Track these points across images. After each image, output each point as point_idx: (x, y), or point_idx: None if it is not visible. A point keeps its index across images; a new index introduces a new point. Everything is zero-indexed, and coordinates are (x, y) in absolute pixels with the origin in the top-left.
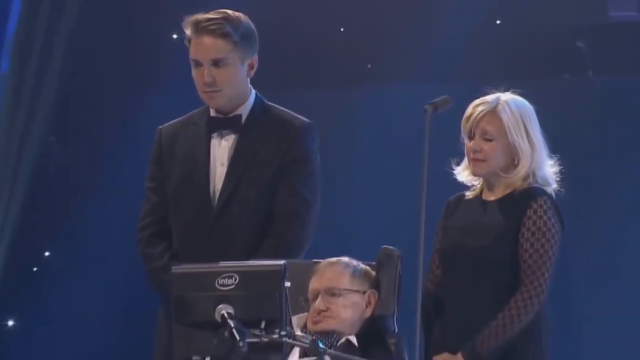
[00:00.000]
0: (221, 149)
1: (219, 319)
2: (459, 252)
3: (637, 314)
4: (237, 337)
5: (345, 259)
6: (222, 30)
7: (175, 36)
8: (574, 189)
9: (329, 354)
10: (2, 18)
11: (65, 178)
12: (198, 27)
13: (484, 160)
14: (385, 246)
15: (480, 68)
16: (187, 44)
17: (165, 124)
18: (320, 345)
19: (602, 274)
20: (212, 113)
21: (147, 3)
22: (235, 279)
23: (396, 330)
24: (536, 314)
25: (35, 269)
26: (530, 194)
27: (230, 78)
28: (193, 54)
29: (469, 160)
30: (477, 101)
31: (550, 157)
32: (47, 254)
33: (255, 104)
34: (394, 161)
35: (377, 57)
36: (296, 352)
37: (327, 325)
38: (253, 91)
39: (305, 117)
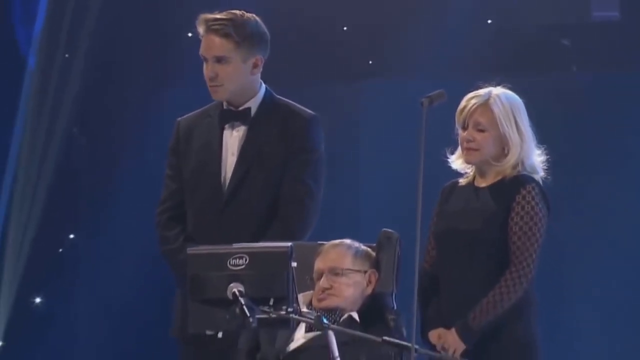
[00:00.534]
0: (232, 139)
1: (230, 296)
2: (453, 235)
3: (617, 290)
4: (247, 314)
5: (348, 241)
6: (225, 30)
7: (190, 34)
8: (560, 176)
9: (333, 329)
10: (30, 17)
11: (87, 167)
12: (205, 26)
13: (476, 150)
14: (385, 229)
15: (473, 64)
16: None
17: (183, 117)
18: (325, 321)
19: (584, 254)
20: (225, 106)
21: (166, 2)
22: (246, 260)
23: (395, 307)
24: (524, 292)
25: (60, 250)
26: (519, 181)
27: (230, 75)
28: (201, 50)
29: (463, 149)
30: (470, 94)
31: (538, 147)
32: (71, 236)
33: (265, 97)
34: (394, 150)
35: (377, 54)
36: (302, 327)
37: (330, 302)
38: (263, 86)
39: (312, 110)
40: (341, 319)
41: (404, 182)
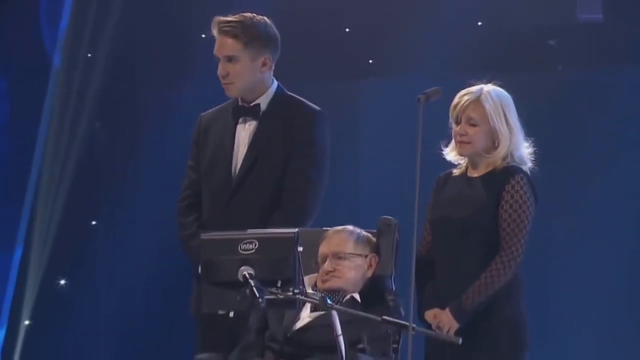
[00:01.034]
0: (244, 133)
1: (241, 278)
2: (447, 222)
3: (598, 274)
4: (257, 295)
5: (350, 227)
6: (234, 31)
7: (203, 36)
8: (546, 167)
9: (336, 309)
10: (55, 20)
11: (108, 158)
12: (218, 28)
13: (469, 143)
14: (385, 216)
15: (465, 63)
16: None
17: (206, 112)
18: (328, 301)
19: (569, 240)
20: (240, 102)
21: (181, 6)
22: (255, 245)
23: (394, 288)
24: (513, 274)
25: (83, 235)
26: (509, 171)
27: (240, 73)
28: (214, 50)
29: (456, 142)
30: (463, 91)
31: (526, 140)
32: (93, 223)
33: (276, 94)
34: (392, 143)
35: (377, 54)
36: (307, 307)
37: (334, 284)
38: (275, 83)
39: (316, 105)
40: (344, 300)
41: (401, 173)
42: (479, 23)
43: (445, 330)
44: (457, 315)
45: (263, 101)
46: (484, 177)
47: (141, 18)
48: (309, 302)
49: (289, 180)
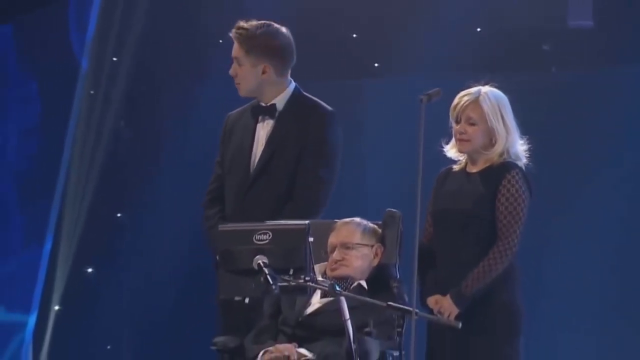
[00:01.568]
0: (262, 131)
1: (256, 267)
2: (447, 214)
3: (588, 262)
4: (271, 282)
5: (357, 219)
6: (239, 38)
7: (221, 41)
8: (539, 163)
9: (344, 295)
10: (83, 25)
11: (132, 155)
12: (233, 32)
13: (468, 140)
14: (390, 209)
15: (465, 65)
16: None
17: (232, 112)
18: (337, 288)
19: (562, 231)
20: (262, 103)
21: (200, 13)
22: (269, 235)
23: (398, 276)
24: (510, 263)
25: (108, 227)
26: (505, 167)
27: (243, 76)
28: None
29: (456, 140)
30: (462, 92)
31: (521, 138)
32: (118, 215)
33: (293, 94)
34: (396, 141)
35: (383, 57)
36: (318, 293)
37: (342, 272)
38: (293, 84)
39: (325, 103)
40: (351, 287)
41: (405, 169)
42: (478, 29)
43: (446, 315)
44: (457, 301)
45: (279, 101)
46: (482, 173)
47: (163, 24)
48: (319, 288)
49: (302, 177)
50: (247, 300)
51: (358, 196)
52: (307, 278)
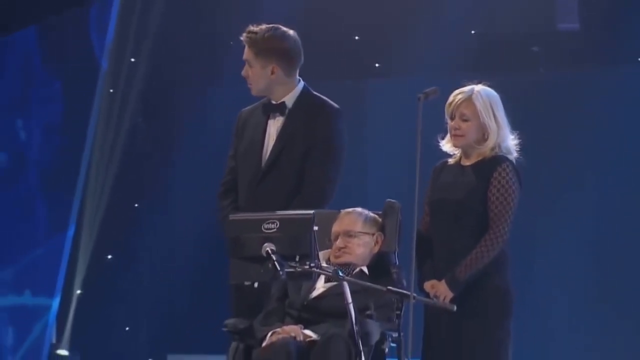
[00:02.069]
0: (273, 127)
1: (264, 254)
2: (443, 204)
3: (574, 250)
4: (278, 268)
5: (359, 209)
6: (249, 42)
7: (232, 43)
8: (530, 157)
9: (347, 280)
10: (103, 28)
11: (149, 149)
12: (244, 35)
13: (462, 136)
14: (389, 200)
15: (459, 66)
16: None
17: (245, 108)
18: (340, 273)
19: (550, 221)
20: (273, 101)
21: (213, 17)
22: (277, 224)
23: (397, 263)
24: (501, 250)
25: (127, 216)
26: (497, 160)
27: (254, 76)
28: None
29: (451, 135)
30: (457, 91)
31: (512, 133)
32: (136, 205)
33: (302, 92)
34: (395, 136)
35: (383, 58)
36: (322, 278)
37: (345, 259)
38: (301, 83)
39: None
40: (354, 272)
41: (403, 162)
42: (472, 32)
43: (441, 298)
44: (451, 286)
45: (289, 99)
46: (475, 166)
47: (178, 27)
48: (324, 274)
49: (309, 172)
50: (255, 285)
51: (360, 188)
52: (312, 264)
